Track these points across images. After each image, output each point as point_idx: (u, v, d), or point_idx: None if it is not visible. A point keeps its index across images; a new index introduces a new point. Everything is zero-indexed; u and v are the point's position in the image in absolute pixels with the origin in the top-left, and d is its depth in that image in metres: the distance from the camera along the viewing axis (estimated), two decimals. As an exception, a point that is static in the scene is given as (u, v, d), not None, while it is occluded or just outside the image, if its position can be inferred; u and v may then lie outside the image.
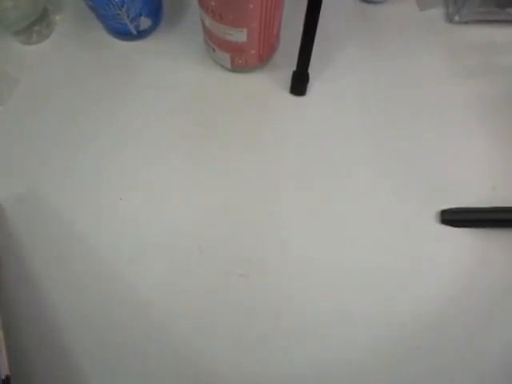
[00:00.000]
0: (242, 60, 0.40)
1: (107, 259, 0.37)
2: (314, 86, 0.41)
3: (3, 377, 0.20)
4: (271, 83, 0.42)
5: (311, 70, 0.39)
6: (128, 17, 0.39)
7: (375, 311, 0.35)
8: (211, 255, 0.36)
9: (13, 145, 0.41)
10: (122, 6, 0.38)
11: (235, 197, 0.38)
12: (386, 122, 0.40)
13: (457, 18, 0.43)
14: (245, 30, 0.35)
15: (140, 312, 0.36)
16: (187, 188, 0.39)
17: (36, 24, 0.42)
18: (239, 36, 0.36)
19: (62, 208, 0.38)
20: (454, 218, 0.37)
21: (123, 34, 0.42)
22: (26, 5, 0.40)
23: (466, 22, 0.43)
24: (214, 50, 0.40)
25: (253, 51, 0.38)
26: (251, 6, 0.33)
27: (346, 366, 0.34)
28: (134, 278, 0.37)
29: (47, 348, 0.35)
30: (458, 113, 0.41)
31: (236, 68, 0.41)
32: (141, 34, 0.43)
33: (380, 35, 0.43)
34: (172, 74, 0.42)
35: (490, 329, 0.35)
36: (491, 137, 0.40)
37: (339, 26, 0.43)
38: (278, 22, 0.38)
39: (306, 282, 0.36)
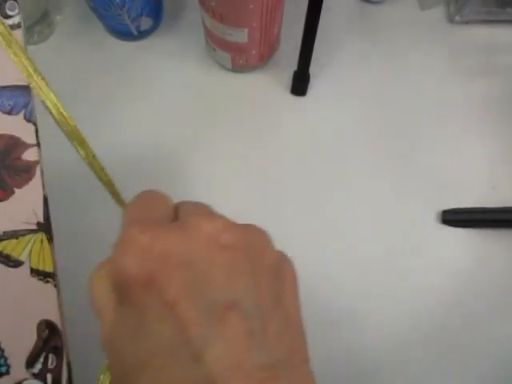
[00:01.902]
0: (242, 60, 0.40)
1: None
2: (314, 85, 0.41)
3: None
4: (272, 83, 0.42)
5: (312, 70, 0.39)
6: (129, 17, 0.39)
7: (375, 311, 0.35)
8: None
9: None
10: (123, 6, 0.38)
11: (235, 196, 0.38)
12: (387, 122, 0.40)
13: (458, 17, 0.43)
14: (245, 30, 0.35)
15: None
16: (187, 188, 0.39)
17: (37, 24, 0.42)
18: (240, 36, 0.36)
19: (61, 208, 0.38)
20: (455, 218, 0.37)
21: (124, 35, 0.43)
22: (26, 5, 0.40)
23: (467, 22, 0.43)
24: (214, 49, 0.40)
25: (253, 51, 0.38)
26: (251, 6, 0.33)
27: (347, 366, 0.34)
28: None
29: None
30: (458, 112, 0.41)
31: (236, 68, 0.41)
32: (141, 34, 0.43)
33: (381, 35, 0.43)
34: (172, 73, 0.42)
35: (490, 329, 0.35)
36: (491, 137, 0.40)
37: (340, 25, 0.43)
38: (278, 21, 0.38)
39: (306, 283, 0.36)
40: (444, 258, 0.36)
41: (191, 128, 0.41)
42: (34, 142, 0.19)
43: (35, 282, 0.17)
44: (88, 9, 0.40)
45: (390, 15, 0.44)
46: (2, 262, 0.17)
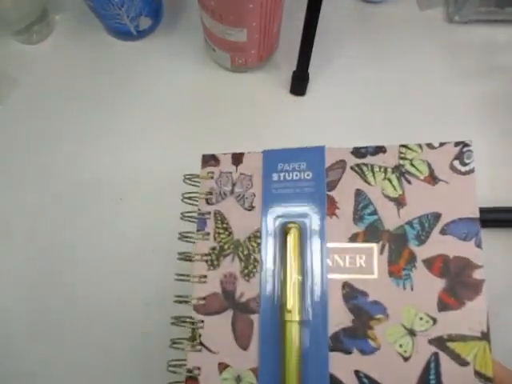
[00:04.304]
0: (241, 60, 0.40)
1: (108, 259, 0.37)
2: (313, 85, 0.41)
3: None
4: (271, 83, 0.42)
5: (311, 70, 0.39)
6: (128, 17, 0.39)
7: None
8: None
9: (12, 145, 0.41)
10: (122, 6, 0.38)
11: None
12: (386, 122, 0.40)
13: (457, 17, 0.43)
14: (245, 29, 0.35)
15: (139, 312, 0.36)
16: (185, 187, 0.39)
17: (36, 24, 0.42)
18: (239, 36, 0.36)
19: (62, 207, 0.38)
20: (454, 217, 0.37)
21: (123, 34, 0.42)
22: (25, 5, 0.40)
23: (466, 22, 0.43)
24: (214, 49, 0.40)
25: (253, 51, 0.38)
26: (251, 5, 0.33)
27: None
28: (134, 277, 0.37)
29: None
30: (458, 112, 0.41)
31: (236, 68, 0.41)
32: (141, 34, 0.43)
33: (380, 35, 0.43)
34: (172, 73, 0.42)
35: (490, 329, 0.35)
36: (491, 136, 0.40)
37: (339, 25, 0.43)
38: (278, 21, 0.38)
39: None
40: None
41: (190, 127, 0.41)
42: (482, 264, 0.23)
43: (477, 382, 0.21)
44: (87, 8, 0.40)
45: (389, 15, 0.44)
46: (453, 359, 0.22)
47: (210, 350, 0.26)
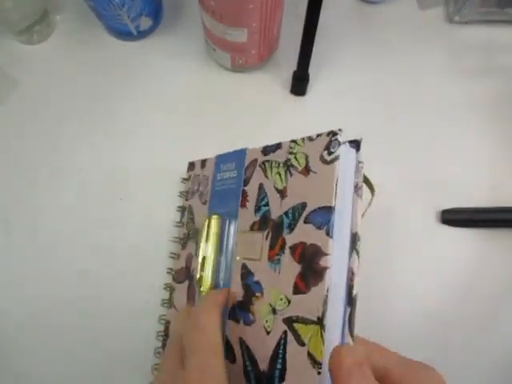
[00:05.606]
0: (242, 60, 0.40)
1: (108, 258, 0.37)
2: (314, 85, 0.41)
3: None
4: (271, 83, 0.42)
5: (311, 70, 0.39)
6: (128, 17, 0.39)
7: (375, 310, 0.35)
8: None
9: (12, 145, 0.41)
10: (123, 6, 0.38)
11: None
12: (386, 122, 0.40)
13: (457, 17, 0.43)
14: (245, 29, 0.35)
15: (139, 311, 0.36)
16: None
17: (36, 24, 0.42)
18: (239, 36, 0.36)
19: (62, 208, 0.38)
20: (455, 217, 0.37)
21: (124, 34, 0.43)
22: (26, 5, 0.40)
23: (466, 22, 0.43)
24: (214, 49, 0.40)
25: (253, 51, 0.39)
26: (251, 6, 0.33)
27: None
28: (134, 276, 0.37)
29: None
30: (458, 113, 0.41)
31: (236, 68, 0.41)
32: (141, 34, 0.43)
33: (380, 35, 0.43)
34: (172, 73, 0.42)
35: (489, 329, 0.35)
36: (491, 137, 0.40)
37: (339, 25, 0.44)
38: (278, 21, 0.38)
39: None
40: (444, 257, 0.36)
41: (190, 127, 0.41)
42: (329, 252, 0.23)
43: (308, 363, 0.22)
44: (87, 9, 0.40)
45: (389, 15, 0.44)
46: (295, 339, 0.23)
47: (176, 308, 0.34)
